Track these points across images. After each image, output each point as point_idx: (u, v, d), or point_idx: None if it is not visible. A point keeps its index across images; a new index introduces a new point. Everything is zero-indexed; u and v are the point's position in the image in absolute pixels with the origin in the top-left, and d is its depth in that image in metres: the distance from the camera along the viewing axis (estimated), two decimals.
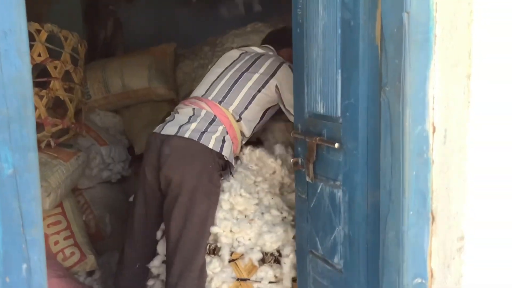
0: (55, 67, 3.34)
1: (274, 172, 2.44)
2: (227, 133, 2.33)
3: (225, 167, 2.35)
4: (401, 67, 1.44)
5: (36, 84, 3.29)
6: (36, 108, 3.24)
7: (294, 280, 2.24)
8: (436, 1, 1.43)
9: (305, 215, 1.99)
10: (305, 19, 1.88)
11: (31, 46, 3.32)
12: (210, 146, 2.24)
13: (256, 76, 2.42)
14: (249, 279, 2.25)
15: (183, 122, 2.32)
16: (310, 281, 1.99)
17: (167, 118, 2.44)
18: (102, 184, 3.82)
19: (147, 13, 5.47)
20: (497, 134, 1.52)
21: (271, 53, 2.61)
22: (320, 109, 1.84)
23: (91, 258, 3.35)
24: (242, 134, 2.41)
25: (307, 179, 1.90)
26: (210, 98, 2.40)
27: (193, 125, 2.30)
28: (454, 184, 1.51)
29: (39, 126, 3.28)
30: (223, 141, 2.29)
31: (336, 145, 1.71)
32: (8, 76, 0.98)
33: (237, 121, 2.37)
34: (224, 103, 2.38)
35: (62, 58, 3.37)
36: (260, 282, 2.24)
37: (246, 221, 2.25)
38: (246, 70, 2.45)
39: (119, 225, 3.61)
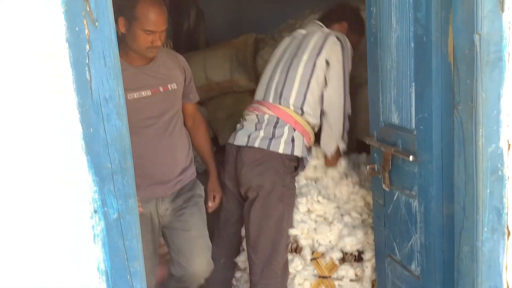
0: None
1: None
2: (295, 130, 2.37)
3: (299, 164, 2.43)
4: (473, 87, 1.46)
5: None
6: None
7: (374, 280, 2.33)
8: (509, 19, 1.42)
9: (382, 219, 2.06)
10: (379, 29, 1.91)
11: None
12: (280, 151, 2.32)
13: (304, 58, 2.40)
14: (330, 277, 2.36)
15: (251, 131, 2.40)
16: (389, 283, 2.06)
17: (238, 126, 2.53)
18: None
19: (228, 0, 5.59)
20: None
21: (316, 28, 2.53)
22: (395, 119, 1.88)
23: None
24: (311, 124, 2.44)
25: (383, 186, 1.96)
26: (270, 100, 2.44)
27: (261, 133, 2.37)
28: None
29: None
30: (292, 141, 2.35)
31: (411, 157, 1.75)
32: (111, 136, 1.14)
33: (301, 114, 2.39)
34: (283, 101, 2.40)
35: None
36: (341, 280, 2.35)
37: (325, 224, 2.34)
38: (294, 56, 2.43)
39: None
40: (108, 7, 1.11)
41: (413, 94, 1.75)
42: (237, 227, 2.55)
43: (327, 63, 2.37)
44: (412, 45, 1.72)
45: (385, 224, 2.05)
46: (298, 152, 2.36)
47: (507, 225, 1.54)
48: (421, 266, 1.83)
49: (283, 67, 2.46)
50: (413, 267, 1.87)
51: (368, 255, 2.29)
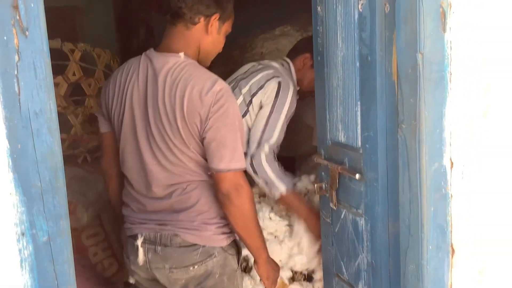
0: (89, 85, 3.48)
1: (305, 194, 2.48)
2: None
3: None
4: (416, 106, 1.47)
5: (72, 102, 3.44)
6: (72, 126, 3.38)
7: None
8: (451, 39, 1.45)
9: (330, 238, 2.04)
10: (325, 48, 1.91)
11: (65, 66, 3.46)
12: None
13: (242, 93, 2.29)
14: None
15: None
16: None
17: None
18: None
19: None
20: None
21: (277, 65, 2.44)
22: (342, 138, 1.88)
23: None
24: None
25: (331, 205, 1.95)
26: None
27: None
28: (472, 218, 1.53)
29: (76, 143, 3.43)
30: None
31: (357, 176, 1.74)
32: (40, 153, 1.07)
33: None
34: None
35: (96, 76, 3.51)
36: None
37: (276, 243, 2.31)
38: (236, 87, 2.33)
39: None
40: (40, 16, 1.05)
41: (358, 113, 1.75)
42: None
43: (261, 104, 2.30)
44: (358, 64, 1.72)
45: (332, 243, 2.03)
46: None
47: (451, 243, 1.54)
48: (368, 285, 1.81)
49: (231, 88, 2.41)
50: (360, 286, 1.86)
51: (319, 274, 2.27)
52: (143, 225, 1.78)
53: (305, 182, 2.42)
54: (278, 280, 2.30)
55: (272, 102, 2.25)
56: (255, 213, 1.75)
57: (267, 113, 2.24)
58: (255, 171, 2.17)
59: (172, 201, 1.74)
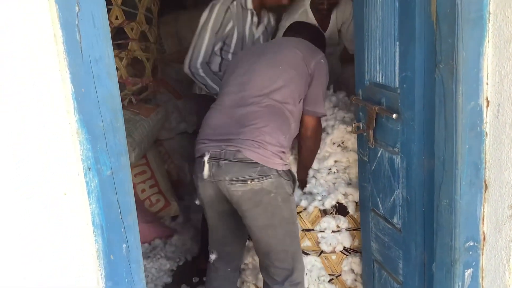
0: (132, 29, 3.55)
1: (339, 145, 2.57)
2: None
3: None
4: (454, 46, 1.50)
5: (115, 46, 3.54)
6: (117, 69, 3.50)
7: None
8: None
9: (367, 176, 2.13)
10: None
11: (108, 10, 3.54)
12: None
13: None
14: (313, 229, 2.45)
15: None
16: (373, 236, 2.15)
17: None
18: (180, 135, 4.10)
19: None
20: None
21: None
22: (380, 78, 1.92)
23: (174, 205, 3.69)
24: None
25: (368, 144, 2.02)
26: None
27: None
28: (506, 155, 1.58)
29: (121, 85, 3.56)
30: None
31: (394, 115, 1.80)
32: (101, 95, 1.18)
33: None
34: None
35: (138, 19, 3.58)
36: (323, 231, 2.44)
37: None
38: None
39: None
40: None
41: (397, 53, 1.78)
42: None
43: None
44: (397, 4, 1.74)
45: (369, 180, 2.12)
46: None
47: (485, 179, 1.61)
48: (402, 220, 1.91)
49: None
50: (395, 220, 1.95)
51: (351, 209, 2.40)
52: (211, 143, 2.05)
53: (341, 132, 2.49)
54: (312, 211, 2.42)
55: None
56: None
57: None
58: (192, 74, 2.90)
59: (248, 111, 2.06)
